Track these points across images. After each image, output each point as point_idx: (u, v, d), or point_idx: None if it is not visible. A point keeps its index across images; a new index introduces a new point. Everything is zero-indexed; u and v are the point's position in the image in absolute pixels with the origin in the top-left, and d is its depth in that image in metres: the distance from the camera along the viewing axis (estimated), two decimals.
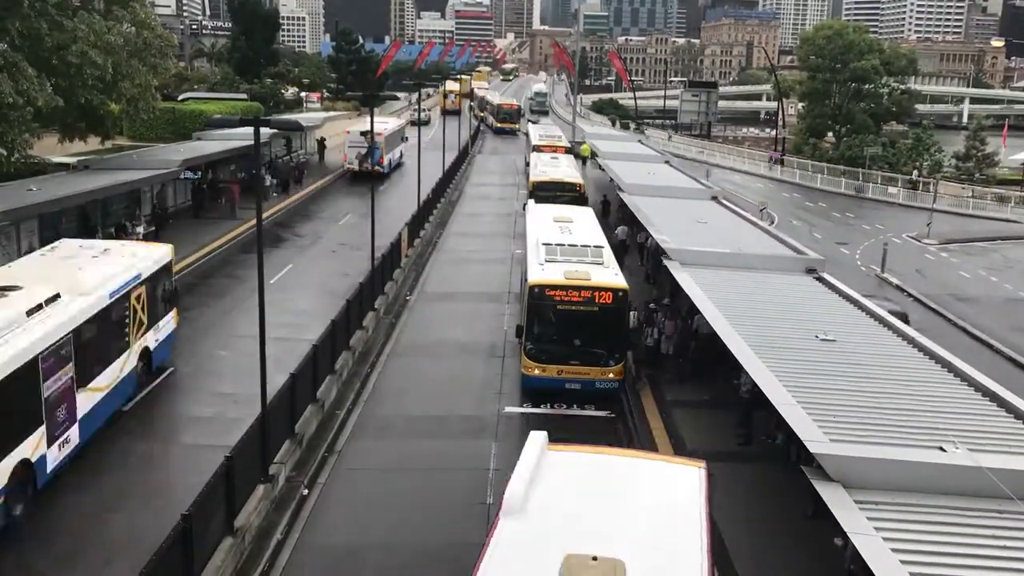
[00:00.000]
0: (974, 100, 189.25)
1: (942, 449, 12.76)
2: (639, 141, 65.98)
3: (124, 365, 20.24)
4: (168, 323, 23.51)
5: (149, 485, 17.67)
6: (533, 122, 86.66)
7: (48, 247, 22.60)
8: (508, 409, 22.13)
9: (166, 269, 23.42)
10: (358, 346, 25.62)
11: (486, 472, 18.63)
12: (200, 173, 41.54)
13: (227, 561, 14.31)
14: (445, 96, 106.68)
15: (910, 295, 37.21)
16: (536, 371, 22.38)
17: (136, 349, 21.02)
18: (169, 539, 12.33)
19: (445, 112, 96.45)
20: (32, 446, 15.85)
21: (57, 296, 17.80)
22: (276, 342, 20.90)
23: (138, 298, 21.06)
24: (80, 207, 31.94)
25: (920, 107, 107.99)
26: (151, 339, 22.07)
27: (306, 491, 17.66)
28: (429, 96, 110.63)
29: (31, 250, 29.48)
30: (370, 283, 28.18)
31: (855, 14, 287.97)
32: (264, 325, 16.86)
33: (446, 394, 23.28)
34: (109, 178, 34.51)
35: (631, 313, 22.38)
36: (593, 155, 58.72)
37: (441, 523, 16.69)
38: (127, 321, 20.49)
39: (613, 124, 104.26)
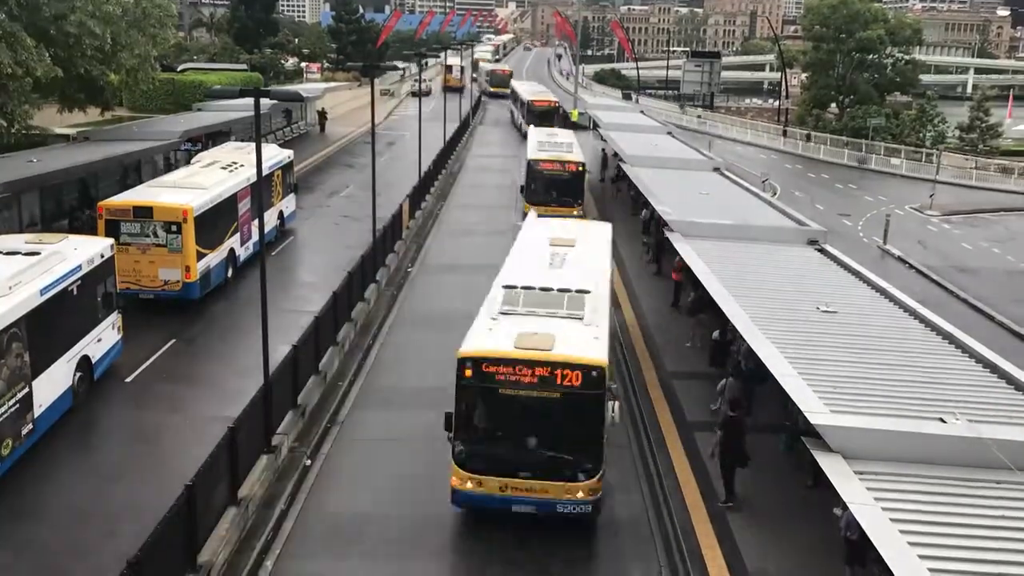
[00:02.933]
0: (979, 70, 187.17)
1: (942, 420, 12.82)
2: (641, 112, 65.65)
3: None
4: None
5: (151, 456, 17.74)
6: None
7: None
8: None
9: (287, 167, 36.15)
10: (360, 318, 25.63)
11: None
12: (200, 144, 41.26)
13: (231, 530, 14.44)
14: (448, 69, 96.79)
15: (912, 266, 37.16)
16: (469, 484, 15.27)
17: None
18: (173, 509, 12.44)
19: (447, 89, 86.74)
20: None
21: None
22: (279, 313, 20.95)
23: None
24: (80, 178, 31.84)
25: (924, 77, 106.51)
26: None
27: (309, 461, 17.77)
28: (430, 66, 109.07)
29: (32, 222, 29.58)
30: (371, 255, 28.15)
31: None
32: (265, 294, 16.88)
33: (448, 365, 23.13)
34: (109, 149, 34.38)
35: (610, 404, 15.17)
36: (596, 126, 58.69)
37: (443, 493, 16.75)
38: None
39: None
